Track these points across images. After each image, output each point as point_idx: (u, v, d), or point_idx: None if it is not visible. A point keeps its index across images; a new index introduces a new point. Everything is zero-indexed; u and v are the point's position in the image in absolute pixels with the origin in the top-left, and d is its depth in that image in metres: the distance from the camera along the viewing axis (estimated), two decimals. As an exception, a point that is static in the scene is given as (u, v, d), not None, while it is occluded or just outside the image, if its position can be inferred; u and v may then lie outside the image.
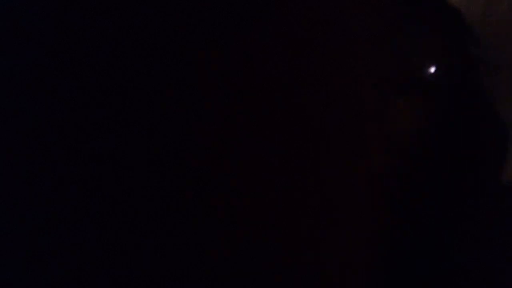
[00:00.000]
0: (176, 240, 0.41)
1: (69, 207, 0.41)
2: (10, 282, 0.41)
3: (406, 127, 0.43)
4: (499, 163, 0.44)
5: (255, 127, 0.41)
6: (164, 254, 0.41)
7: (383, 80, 0.43)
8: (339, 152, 0.42)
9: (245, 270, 0.41)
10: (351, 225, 0.42)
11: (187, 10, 0.42)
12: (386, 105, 0.43)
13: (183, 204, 0.41)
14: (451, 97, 0.44)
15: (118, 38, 0.41)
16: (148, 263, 0.40)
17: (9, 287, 0.41)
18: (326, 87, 0.42)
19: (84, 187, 0.41)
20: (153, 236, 0.41)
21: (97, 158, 0.41)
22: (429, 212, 0.43)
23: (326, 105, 0.42)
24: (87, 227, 0.41)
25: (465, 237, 0.43)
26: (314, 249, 0.42)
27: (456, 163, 0.43)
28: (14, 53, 0.42)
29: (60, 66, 0.41)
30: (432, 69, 0.44)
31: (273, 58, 0.42)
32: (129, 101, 0.41)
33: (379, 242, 0.42)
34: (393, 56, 0.43)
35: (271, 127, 0.41)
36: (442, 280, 0.42)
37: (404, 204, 0.43)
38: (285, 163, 0.41)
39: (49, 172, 0.41)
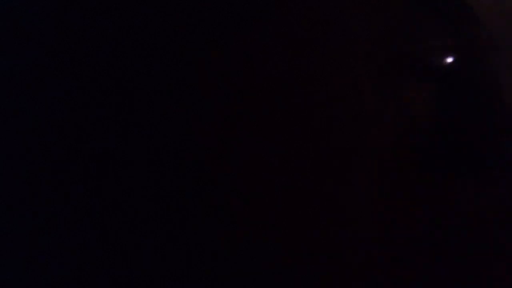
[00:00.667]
0: (176, 240, 0.41)
1: (69, 207, 0.41)
2: (10, 282, 0.41)
3: (408, 126, 0.43)
4: (501, 151, 0.44)
5: (255, 127, 0.41)
6: (164, 254, 0.41)
7: (384, 80, 0.43)
8: (339, 151, 0.42)
9: (245, 270, 0.41)
10: (351, 225, 0.42)
11: (187, 10, 0.42)
12: (387, 105, 0.43)
13: (183, 204, 0.41)
14: (452, 90, 0.44)
15: (118, 38, 0.41)
16: (148, 263, 0.41)
17: (9, 287, 0.41)
18: (326, 87, 0.42)
19: (84, 187, 0.41)
20: (153, 236, 0.41)
21: (97, 158, 0.41)
22: (431, 208, 0.43)
23: (326, 105, 0.42)
24: (87, 227, 0.41)
25: (468, 234, 0.43)
26: (314, 249, 0.42)
27: (458, 155, 0.43)
28: (14, 53, 0.42)
29: (60, 66, 0.41)
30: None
31: (273, 58, 0.42)
32: (129, 101, 0.41)
33: (380, 241, 0.42)
34: (393, 55, 0.43)
35: (271, 127, 0.41)
36: (444, 277, 0.43)
37: (405, 202, 0.43)
38: (285, 163, 0.41)
39: (49, 172, 0.41)
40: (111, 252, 0.41)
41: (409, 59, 0.44)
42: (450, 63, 0.44)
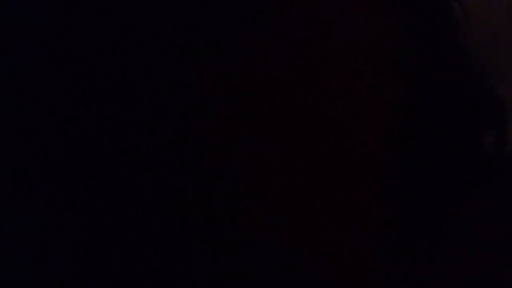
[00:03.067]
0: (176, 240, 0.41)
1: (69, 207, 0.41)
2: (10, 282, 0.41)
3: (409, 126, 0.43)
4: (496, 143, 0.44)
5: (255, 127, 0.41)
6: (164, 254, 0.41)
7: (384, 80, 0.43)
8: (339, 152, 0.42)
9: (245, 270, 0.41)
10: (351, 224, 0.42)
11: (187, 10, 0.42)
12: (387, 105, 0.43)
13: (183, 204, 0.41)
14: (446, 86, 0.44)
15: (118, 38, 0.41)
16: (148, 264, 0.41)
17: (9, 287, 0.41)
18: (326, 88, 0.42)
19: (84, 187, 0.41)
20: (152, 236, 0.41)
21: (97, 158, 0.41)
22: (431, 209, 0.43)
23: (326, 106, 0.42)
24: (87, 227, 0.41)
25: (464, 229, 0.43)
26: (314, 249, 0.42)
27: (458, 155, 0.44)
28: (14, 53, 0.42)
29: (60, 66, 0.41)
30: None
31: (273, 58, 0.42)
32: (128, 101, 0.41)
33: (380, 241, 0.42)
34: (394, 55, 0.43)
35: (271, 127, 0.41)
36: (442, 273, 0.43)
37: (405, 201, 0.43)
38: (286, 163, 0.41)
39: (49, 172, 0.41)
40: (111, 252, 0.41)
41: (404, 73, 0.44)
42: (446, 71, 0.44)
